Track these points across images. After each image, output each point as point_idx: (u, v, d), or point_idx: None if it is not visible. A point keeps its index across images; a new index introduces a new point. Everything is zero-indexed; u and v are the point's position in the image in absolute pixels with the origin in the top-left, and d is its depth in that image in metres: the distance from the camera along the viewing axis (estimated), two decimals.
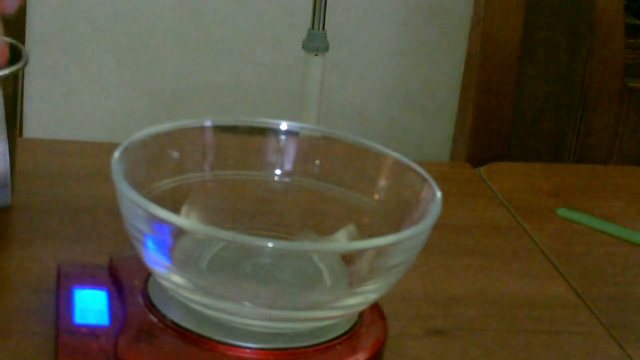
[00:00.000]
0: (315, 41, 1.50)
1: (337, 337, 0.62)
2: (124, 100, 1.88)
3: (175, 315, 0.61)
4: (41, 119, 1.84)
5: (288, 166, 0.71)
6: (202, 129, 0.69)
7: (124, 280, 0.65)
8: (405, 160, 0.67)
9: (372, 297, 0.63)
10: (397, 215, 0.66)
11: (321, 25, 1.51)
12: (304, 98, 1.51)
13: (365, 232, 0.68)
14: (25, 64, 0.77)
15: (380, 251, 0.60)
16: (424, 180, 0.65)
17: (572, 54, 1.65)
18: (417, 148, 1.96)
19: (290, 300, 0.63)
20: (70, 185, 0.88)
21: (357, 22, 1.90)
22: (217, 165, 0.70)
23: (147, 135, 0.65)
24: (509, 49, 1.58)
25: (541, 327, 0.75)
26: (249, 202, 0.71)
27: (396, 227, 0.63)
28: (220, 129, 0.69)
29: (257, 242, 0.60)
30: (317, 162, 0.71)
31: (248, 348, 0.59)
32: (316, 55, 1.50)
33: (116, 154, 0.61)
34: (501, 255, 0.86)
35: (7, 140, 0.77)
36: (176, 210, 0.67)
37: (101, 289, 0.65)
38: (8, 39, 0.47)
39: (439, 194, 0.63)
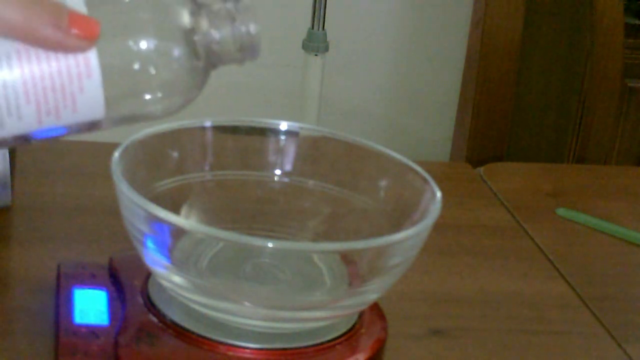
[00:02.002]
0: (315, 41, 1.50)
1: (337, 337, 0.62)
2: None
3: (175, 315, 0.61)
4: None
5: (288, 166, 0.71)
6: (202, 129, 0.69)
7: (124, 280, 0.65)
8: (405, 160, 0.67)
9: (372, 297, 0.63)
10: (397, 215, 0.66)
11: (321, 25, 1.51)
12: (304, 98, 1.51)
13: (365, 232, 0.68)
14: None
15: (380, 251, 0.60)
16: (424, 180, 0.65)
17: (572, 54, 1.66)
18: (417, 148, 1.96)
19: (290, 300, 0.63)
20: (70, 185, 0.88)
21: (357, 22, 1.90)
22: (217, 165, 0.70)
23: (147, 135, 0.65)
24: (509, 49, 1.58)
25: (541, 327, 0.75)
26: (249, 202, 0.71)
27: (396, 227, 0.63)
28: (220, 129, 0.69)
29: (257, 242, 0.60)
30: (317, 162, 0.71)
31: (248, 348, 0.59)
32: (316, 55, 1.50)
33: (116, 154, 0.61)
34: (501, 255, 0.86)
35: None
36: (176, 210, 0.67)
37: (101, 289, 0.65)
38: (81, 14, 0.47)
39: (439, 194, 0.63)
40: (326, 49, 1.51)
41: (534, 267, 0.84)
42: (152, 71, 0.50)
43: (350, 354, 0.61)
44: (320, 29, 1.50)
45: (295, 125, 0.71)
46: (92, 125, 0.51)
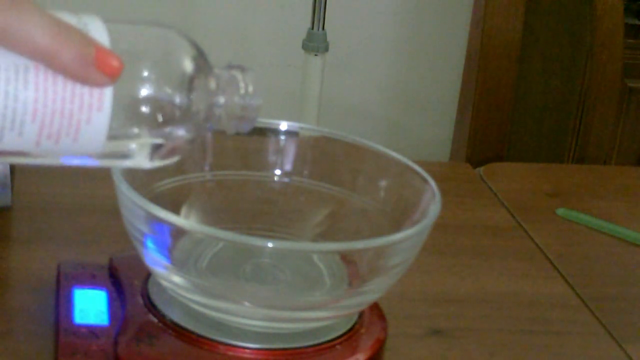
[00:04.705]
0: (315, 41, 1.50)
1: (337, 337, 0.62)
2: None
3: (175, 315, 0.61)
4: None
5: (288, 166, 0.71)
6: None
7: (124, 280, 0.65)
8: (405, 160, 0.67)
9: (372, 297, 0.63)
10: (397, 215, 0.66)
11: (321, 25, 1.51)
12: (304, 98, 1.51)
13: (365, 232, 0.68)
14: None
15: (380, 251, 0.60)
16: (424, 180, 0.65)
17: (572, 54, 1.66)
18: (417, 148, 1.96)
19: (290, 301, 0.63)
20: (70, 185, 0.88)
21: (357, 22, 1.90)
22: (217, 165, 0.70)
23: None
24: (509, 49, 1.58)
25: (541, 327, 0.75)
26: (249, 202, 0.71)
27: (396, 227, 0.63)
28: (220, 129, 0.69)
29: (257, 242, 0.60)
30: (317, 162, 0.71)
31: (248, 348, 0.59)
32: (316, 55, 1.50)
33: None
34: (501, 255, 0.86)
35: None
36: (176, 210, 0.67)
37: (101, 289, 0.65)
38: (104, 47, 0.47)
39: (438, 194, 0.63)
40: (326, 49, 1.51)
41: (534, 267, 0.84)
42: (160, 119, 0.50)
43: (350, 354, 0.61)
44: (320, 29, 1.50)
45: (295, 125, 0.71)
46: (81, 160, 0.50)
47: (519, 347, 0.72)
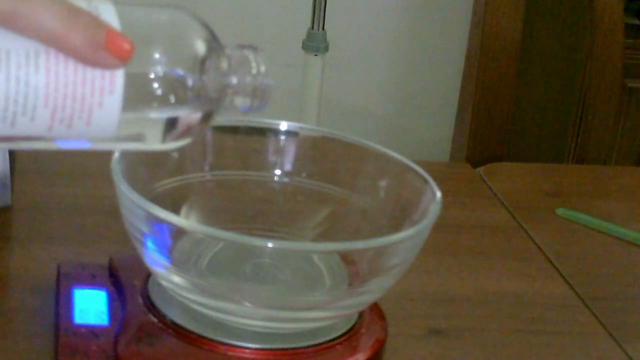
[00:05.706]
0: (315, 41, 1.50)
1: (337, 337, 0.62)
2: None
3: (175, 315, 0.61)
4: None
5: (288, 166, 0.71)
6: None
7: (124, 280, 0.65)
8: (405, 160, 0.67)
9: (372, 297, 0.63)
10: (397, 215, 0.66)
11: (321, 25, 1.51)
12: (304, 98, 1.51)
13: (365, 232, 0.68)
14: None
15: (380, 251, 0.60)
16: (424, 180, 0.65)
17: (572, 54, 1.66)
18: (417, 148, 1.96)
19: (290, 300, 0.63)
20: (70, 185, 0.88)
21: (357, 22, 1.90)
22: (217, 165, 0.70)
23: None
24: (509, 49, 1.58)
25: (541, 327, 0.75)
26: (249, 202, 0.71)
27: (396, 227, 0.63)
28: (220, 129, 0.69)
29: (257, 242, 0.60)
30: (317, 162, 0.71)
31: (248, 348, 0.59)
32: (316, 55, 1.50)
33: (116, 154, 0.61)
34: (501, 255, 0.86)
35: None
36: (176, 210, 0.67)
37: (101, 289, 0.65)
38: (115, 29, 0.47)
39: (438, 194, 0.63)
40: (326, 49, 1.50)
41: (534, 267, 0.84)
42: (172, 100, 0.49)
43: (350, 354, 0.61)
44: (320, 29, 1.50)
45: (295, 125, 0.71)
46: (95, 144, 0.50)
47: (519, 347, 0.72)
